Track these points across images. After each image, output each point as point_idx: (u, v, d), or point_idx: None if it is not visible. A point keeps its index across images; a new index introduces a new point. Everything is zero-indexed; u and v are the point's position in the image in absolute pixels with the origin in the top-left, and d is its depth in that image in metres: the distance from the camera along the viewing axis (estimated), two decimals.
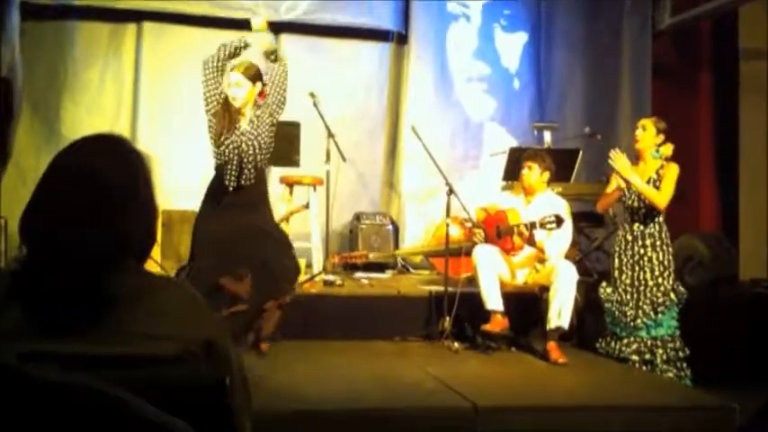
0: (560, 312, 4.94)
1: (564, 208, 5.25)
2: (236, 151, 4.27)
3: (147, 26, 7.11)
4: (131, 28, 7.15)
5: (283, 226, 6.16)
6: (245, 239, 4.27)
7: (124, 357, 1.29)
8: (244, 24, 6.49)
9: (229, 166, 4.29)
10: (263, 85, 4.39)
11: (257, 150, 4.31)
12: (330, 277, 5.91)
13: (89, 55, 7.04)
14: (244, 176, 4.30)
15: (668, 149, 5.07)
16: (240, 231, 4.26)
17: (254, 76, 4.35)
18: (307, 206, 6.22)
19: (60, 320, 1.29)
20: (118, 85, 7.10)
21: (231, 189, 4.30)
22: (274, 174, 6.72)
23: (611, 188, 5.18)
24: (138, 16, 7.09)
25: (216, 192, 4.37)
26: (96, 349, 1.28)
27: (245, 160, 4.28)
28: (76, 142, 1.44)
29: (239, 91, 4.31)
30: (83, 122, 6.85)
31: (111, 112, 7.05)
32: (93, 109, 6.98)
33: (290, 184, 6.31)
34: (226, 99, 4.33)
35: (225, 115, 4.31)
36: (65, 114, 6.89)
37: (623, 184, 5.04)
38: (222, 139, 4.27)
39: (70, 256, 1.33)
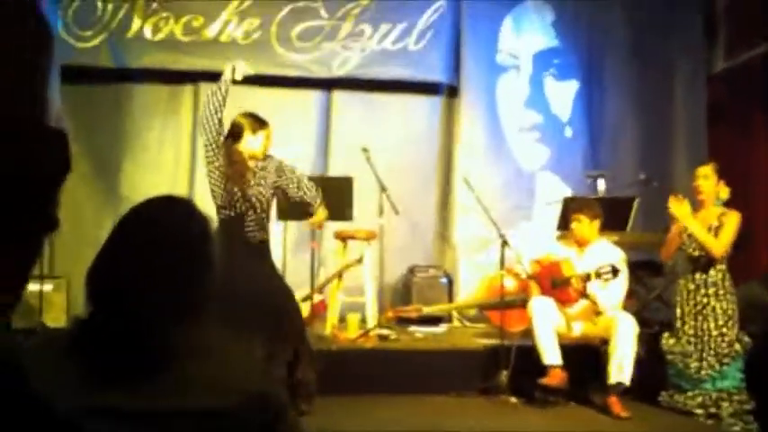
0: (621, 367, 4.84)
1: (620, 258, 5.17)
2: (249, 205, 4.33)
3: (204, 87, 7.27)
4: (189, 89, 7.34)
5: (337, 281, 6.20)
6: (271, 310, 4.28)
7: (183, 411, 1.31)
8: (296, 82, 6.69)
9: (245, 221, 4.33)
10: None
11: (265, 205, 4.40)
12: (384, 331, 5.90)
13: (148, 116, 7.23)
14: (265, 230, 4.39)
15: (725, 192, 5.01)
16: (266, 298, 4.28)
17: None
18: (360, 260, 6.25)
19: (121, 375, 1.32)
20: (176, 146, 7.27)
21: (254, 243, 4.34)
22: (329, 228, 6.77)
23: (672, 234, 5.10)
24: (194, 77, 7.27)
25: (225, 250, 4.35)
26: (156, 403, 1.30)
27: (259, 214, 4.35)
28: (145, 202, 1.48)
29: (268, 143, 4.43)
30: (142, 183, 7.01)
31: (170, 173, 7.21)
32: (152, 169, 7.14)
33: (344, 238, 6.35)
34: (229, 151, 4.36)
35: (232, 168, 4.35)
36: (124, 175, 7.06)
37: (683, 229, 4.97)
38: (235, 191, 4.31)
39: (134, 313, 1.36)
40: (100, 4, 6.98)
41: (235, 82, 4.55)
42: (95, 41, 6.94)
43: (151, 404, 1.30)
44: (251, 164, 4.42)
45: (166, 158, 7.25)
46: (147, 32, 7.07)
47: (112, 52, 6.97)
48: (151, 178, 7.08)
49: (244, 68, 4.55)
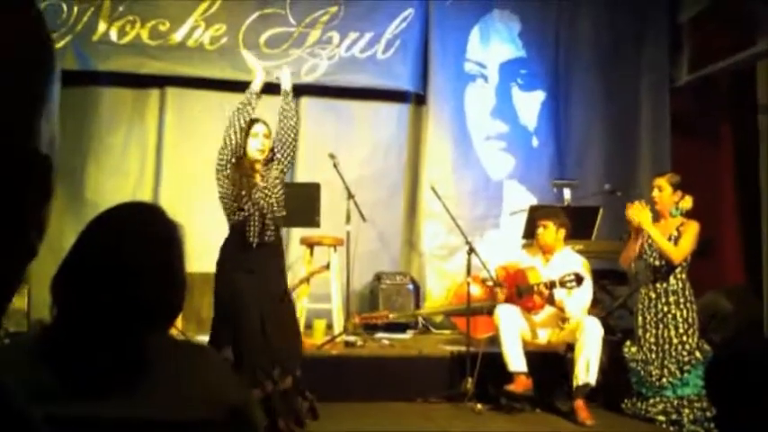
0: (587, 368, 4.88)
1: (582, 265, 5.22)
2: (256, 207, 4.30)
3: (171, 91, 7.24)
4: (155, 93, 7.29)
5: (304, 287, 6.18)
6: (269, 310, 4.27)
7: (152, 422, 1.30)
8: (264, 88, 6.62)
9: (251, 223, 4.30)
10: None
11: (275, 207, 4.34)
12: (351, 338, 5.89)
13: (113, 120, 7.17)
14: (267, 233, 4.31)
15: (688, 203, 5.06)
16: (265, 301, 4.27)
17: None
18: (327, 267, 6.24)
19: (89, 384, 1.30)
20: (141, 150, 7.20)
21: (254, 246, 4.31)
22: (295, 235, 6.76)
23: (631, 240, 5.15)
24: (161, 81, 7.23)
25: (236, 252, 4.34)
26: (124, 413, 1.29)
27: (267, 216, 4.30)
28: (112, 208, 1.47)
29: (267, 141, 4.38)
30: (106, 186, 6.95)
31: (135, 177, 7.15)
32: (116, 173, 7.08)
33: (310, 245, 6.33)
34: (239, 158, 4.35)
35: (239, 172, 4.32)
36: (88, 178, 6.98)
37: (644, 237, 5.01)
38: (243, 194, 4.29)
39: (101, 321, 1.34)
40: (65, 6, 6.90)
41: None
42: (60, 44, 6.85)
43: (124, 414, 1.28)
44: (257, 166, 4.38)
45: (131, 163, 7.18)
46: (113, 35, 7.01)
47: (77, 55, 6.90)
48: (115, 183, 7.01)
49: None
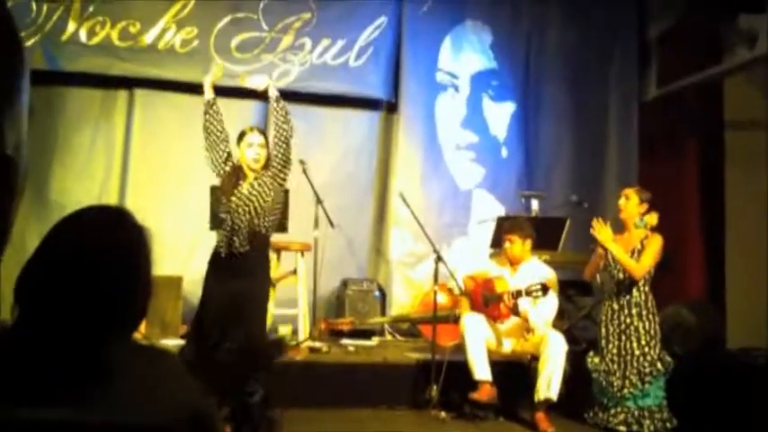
0: (549, 383, 4.91)
1: (549, 276, 5.26)
2: (230, 216, 4.26)
3: (139, 93, 7.17)
4: (123, 94, 7.20)
5: (270, 292, 6.14)
6: (231, 315, 4.21)
7: (114, 426, 1.29)
8: (235, 92, 6.60)
9: (222, 232, 4.29)
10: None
11: (253, 215, 4.28)
12: (316, 344, 5.87)
13: (80, 121, 7.07)
14: (234, 243, 4.26)
15: (653, 219, 5.12)
16: (229, 306, 4.20)
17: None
18: (294, 272, 6.21)
19: (49, 387, 1.29)
20: (108, 151, 7.11)
21: (223, 255, 4.27)
22: None
23: (595, 255, 5.21)
24: (129, 83, 7.15)
25: (215, 258, 4.34)
26: (84, 417, 1.27)
27: (238, 226, 4.26)
28: (81, 212, 1.47)
29: (263, 151, 4.36)
30: (72, 188, 6.86)
31: (100, 178, 7.05)
32: (82, 175, 6.98)
33: (277, 249, 6.29)
34: (233, 165, 4.37)
35: (230, 180, 4.33)
36: (53, 179, 6.88)
37: (602, 252, 5.08)
38: (224, 200, 4.30)
39: (63, 324, 1.33)
40: (34, 6, 6.81)
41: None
42: (29, 43, 6.76)
43: (81, 418, 1.27)
44: (249, 174, 4.38)
45: (97, 164, 7.08)
46: (83, 36, 6.93)
47: (45, 55, 6.81)
48: (81, 185, 6.92)
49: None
